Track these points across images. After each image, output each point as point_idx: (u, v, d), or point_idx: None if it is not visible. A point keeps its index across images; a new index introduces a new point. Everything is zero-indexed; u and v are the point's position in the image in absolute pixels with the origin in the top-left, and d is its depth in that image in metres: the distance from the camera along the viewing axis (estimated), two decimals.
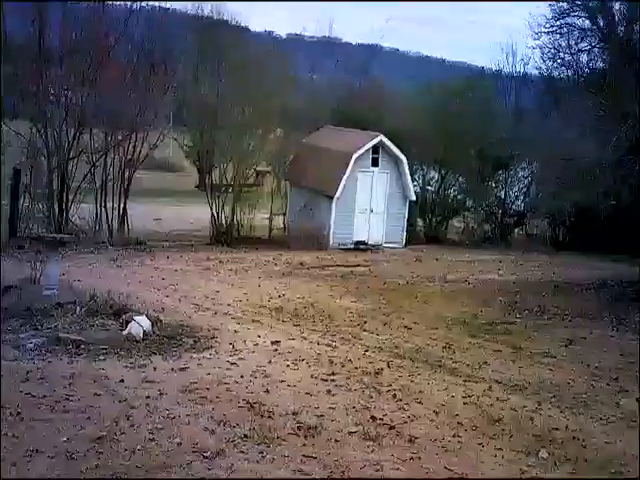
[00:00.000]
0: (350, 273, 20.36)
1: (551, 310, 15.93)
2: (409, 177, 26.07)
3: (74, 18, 23.79)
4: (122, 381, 8.94)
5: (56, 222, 23.71)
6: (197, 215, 34.71)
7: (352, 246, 25.67)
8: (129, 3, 25.47)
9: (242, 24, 38.67)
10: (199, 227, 30.99)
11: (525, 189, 30.18)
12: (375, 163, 25.82)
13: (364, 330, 13.36)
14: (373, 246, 26.00)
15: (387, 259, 23.84)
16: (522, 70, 31.76)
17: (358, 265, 22.05)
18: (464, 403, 9.02)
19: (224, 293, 16.43)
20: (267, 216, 28.25)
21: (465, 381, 10.11)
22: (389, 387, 9.45)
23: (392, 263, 22.88)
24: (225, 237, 26.68)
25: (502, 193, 29.84)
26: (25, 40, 23.56)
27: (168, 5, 26.96)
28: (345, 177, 24.93)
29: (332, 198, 25.20)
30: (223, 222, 27.17)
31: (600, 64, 29.02)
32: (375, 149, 25.68)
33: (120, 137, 24.83)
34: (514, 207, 29.80)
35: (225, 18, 35.90)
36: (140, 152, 25.82)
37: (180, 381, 9.11)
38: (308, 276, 19.74)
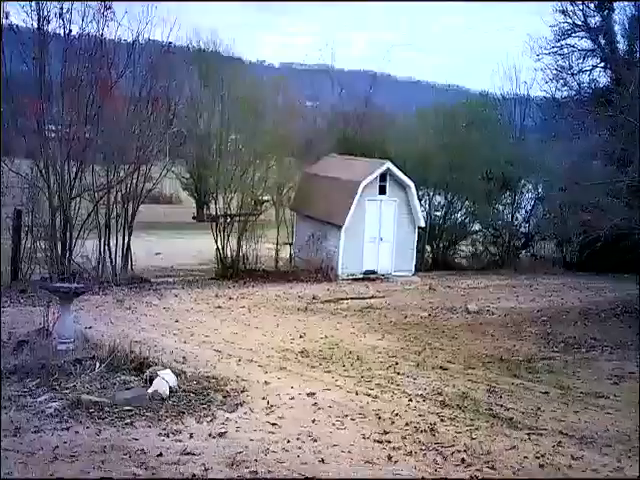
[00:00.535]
0: (367, 306, 19.47)
1: (588, 342, 15.05)
2: (417, 203, 25.31)
3: (75, 53, 22.86)
4: (160, 455, 7.89)
5: (59, 263, 22.64)
6: (198, 247, 33.71)
7: (361, 276, 24.79)
8: (131, 37, 24.48)
9: (236, 55, 38.12)
10: (202, 260, 30.05)
11: (531, 210, 29.24)
12: (383, 191, 25.02)
13: (398, 373, 12.39)
14: (383, 275, 25.14)
15: (400, 289, 22.95)
16: (524, 92, 31.05)
17: (373, 297, 21.17)
18: (540, 465, 8.02)
19: (243, 335, 15.48)
20: (270, 246, 27.22)
21: (528, 434, 9.15)
22: (452, 448, 8.46)
23: (406, 293, 21.99)
24: (231, 271, 25.64)
25: (509, 215, 28.97)
26: (25, 77, 22.63)
27: (170, 39, 25.67)
28: (353, 206, 24.10)
29: (340, 228, 24.34)
30: (229, 255, 26.06)
31: (602, 83, 28.69)
32: (382, 177, 24.88)
33: (123, 173, 23.78)
34: (521, 229, 28.90)
35: (220, 49, 35.27)
36: (143, 187, 24.86)
37: (223, 452, 8.10)
38: (325, 312, 18.80)
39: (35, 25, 22.50)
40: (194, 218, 47.30)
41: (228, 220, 41.22)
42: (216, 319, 17.49)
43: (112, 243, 24.35)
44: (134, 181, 24.35)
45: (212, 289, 22.76)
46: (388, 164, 24.64)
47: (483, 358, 13.58)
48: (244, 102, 26.68)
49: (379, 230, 25.14)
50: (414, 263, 25.69)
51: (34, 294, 18.91)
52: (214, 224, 26.60)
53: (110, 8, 23.60)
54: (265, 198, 31.27)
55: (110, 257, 24.11)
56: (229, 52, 38.68)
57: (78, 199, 23.11)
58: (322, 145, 29.31)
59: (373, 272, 25.05)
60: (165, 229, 36.78)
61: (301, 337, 15.42)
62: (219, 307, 19.32)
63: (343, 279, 24.43)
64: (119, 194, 24.21)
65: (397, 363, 13.09)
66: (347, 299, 20.80)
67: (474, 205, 28.91)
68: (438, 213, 27.83)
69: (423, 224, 25.45)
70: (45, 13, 22.42)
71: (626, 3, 27.11)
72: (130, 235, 24.85)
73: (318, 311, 18.87)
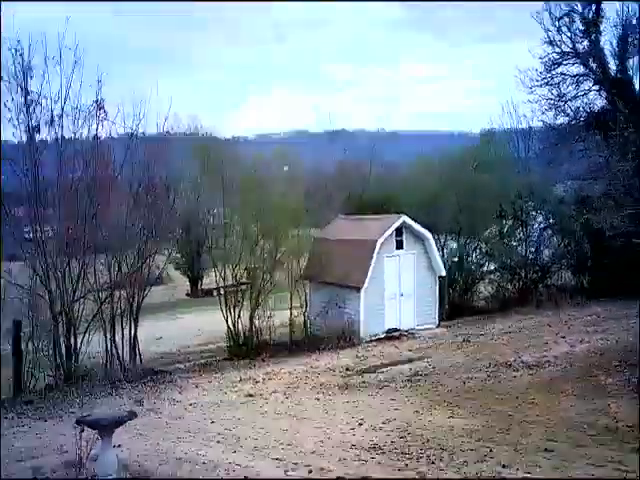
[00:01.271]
0: (413, 374, 17.34)
1: None
2: (437, 253, 23.76)
3: (70, 157, 21.17)
4: None
5: (64, 368, 20.49)
6: (198, 325, 31.73)
7: (383, 335, 23.04)
8: (125, 131, 22.86)
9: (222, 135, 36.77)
10: (206, 339, 28.04)
11: (540, 239, 27.55)
12: (400, 245, 23.40)
13: (502, 465, 10.21)
14: (406, 331, 23.23)
15: (432, 345, 20.97)
16: (525, 124, 29.80)
17: (410, 360, 19.08)
18: None
19: (295, 433, 13.20)
20: (281, 314, 25.12)
21: None
22: None
23: (443, 350, 19.97)
24: (245, 348, 23.45)
25: (523, 249, 27.24)
26: (20, 189, 20.91)
27: (167, 128, 24.21)
28: (372, 266, 22.36)
29: (359, 290, 22.49)
30: (240, 330, 23.89)
31: (598, 105, 27.53)
32: (398, 231, 23.30)
33: (126, 268, 21.90)
34: (537, 262, 27.15)
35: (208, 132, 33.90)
36: (147, 278, 22.90)
37: None
38: (369, 386, 16.68)
39: (25, 137, 20.83)
40: (188, 295, 45.37)
41: (222, 292, 39.52)
42: (254, 413, 15.22)
43: (117, 337, 22.31)
44: (138, 274, 22.48)
45: (231, 372, 20.66)
46: (404, 217, 23.14)
47: (584, 429, 11.48)
48: (245, 180, 25.05)
49: (399, 285, 23.43)
50: (437, 314, 23.70)
51: (42, 405, 17.49)
52: (224, 302, 24.20)
53: (102, 108, 22.02)
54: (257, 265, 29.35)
55: (117, 353, 21.98)
56: (217, 134, 37.39)
57: (82, 301, 21.13)
58: (330, 208, 27.52)
59: (395, 330, 23.32)
60: (160, 310, 34.57)
61: (360, 425, 13.25)
62: (250, 395, 17.15)
63: (366, 341, 22.55)
64: (123, 290, 22.27)
65: (491, 450, 10.93)
66: (384, 366, 18.70)
67: (488, 245, 27.07)
68: (456, 259, 25.82)
69: (444, 273, 23.58)
70: (34, 123, 20.80)
71: (612, 25, 26.04)
72: (136, 327, 22.79)
73: (361, 387, 16.74)
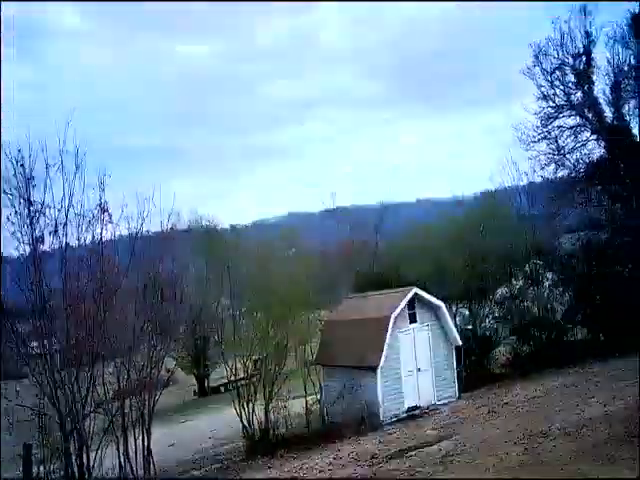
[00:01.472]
0: (445, 454, 16.25)
1: None
2: (451, 323, 22.99)
3: (75, 264, 20.62)
4: None
5: None
6: (210, 425, 30.54)
7: (405, 415, 22.04)
8: (130, 234, 22.38)
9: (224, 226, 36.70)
10: (221, 439, 26.86)
11: (558, 298, 26.81)
12: (413, 319, 22.61)
13: None
14: (427, 408, 22.28)
15: (457, 421, 19.84)
16: (525, 181, 29.57)
17: (439, 439, 17.98)
18: None
19: None
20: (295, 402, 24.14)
21: None
22: None
23: (471, 425, 18.91)
24: (264, 445, 22.30)
25: (536, 309, 26.48)
26: (25, 303, 20.23)
27: (170, 225, 23.80)
28: (386, 343, 21.48)
29: (375, 369, 21.55)
30: (256, 426, 22.82)
31: (597, 155, 27.34)
32: (410, 304, 22.50)
33: (135, 375, 21.10)
34: (552, 321, 26.35)
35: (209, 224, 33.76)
36: (157, 384, 22.19)
37: None
38: (400, 472, 15.51)
39: (28, 249, 20.27)
40: (195, 394, 44.12)
41: (230, 388, 38.45)
42: None
43: (130, 448, 21.24)
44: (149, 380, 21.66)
45: (252, 474, 19.44)
46: (415, 290, 22.43)
47: None
48: (250, 268, 24.53)
49: (415, 360, 22.54)
50: (457, 386, 22.76)
51: None
52: (237, 398, 23.22)
53: (106, 211, 21.57)
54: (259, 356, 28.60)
55: (132, 468, 20.85)
56: (216, 224, 37.31)
57: (93, 416, 20.22)
58: (338, 287, 26.92)
59: (416, 407, 22.32)
60: (169, 414, 33.43)
61: None
62: None
63: (387, 423, 21.50)
64: (134, 398, 21.40)
65: None
66: (411, 449, 17.60)
67: (500, 308, 26.36)
68: (469, 326, 25.03)
69: (460, 343, 22.78)
70: (38, 234, 20.32)
71: (604, 73, 26.03)
72: (149, 438, 21.73)
73: (392, 475, 15.64)
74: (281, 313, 23.61)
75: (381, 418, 21.38)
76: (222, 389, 42.19)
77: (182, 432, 29.45)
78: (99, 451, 20.18)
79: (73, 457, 19.54)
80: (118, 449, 20.86)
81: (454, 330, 22.88)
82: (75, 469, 19.63)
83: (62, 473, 19.45)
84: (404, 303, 22.21)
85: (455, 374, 22.90)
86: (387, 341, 21.51)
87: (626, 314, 23.44)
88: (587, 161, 27.37)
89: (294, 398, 24.30)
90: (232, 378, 25.23)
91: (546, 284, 26.93)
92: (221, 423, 29.96)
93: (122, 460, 20.76)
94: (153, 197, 22.22)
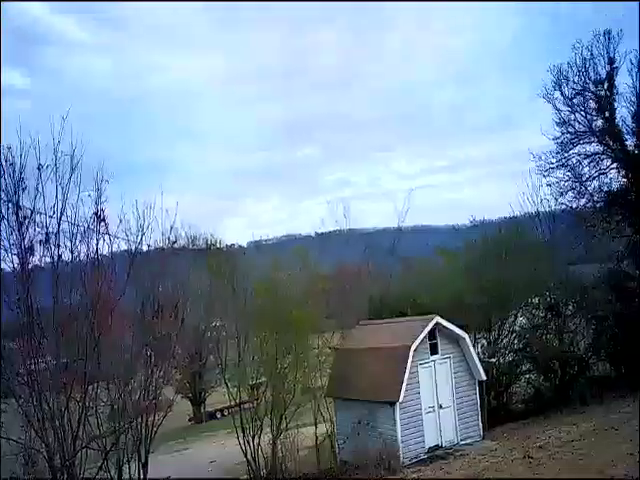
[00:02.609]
0: None
1: None
2: (475, 355, 20.48)
3: (67, 280, 17.74)
4: None
5: None
6: (209, 455, 27.83)
7: (426, 455, 19.45)
8: (128, 249, 19.68)
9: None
10: (222, 471, 24.12)
11: (582, 331, 24.32)
12: (434, 350, 20.02)
13: None
14: (450, 448, 19.80)
15: (489, 465, 17.18)
16: (547, 208, 27.30)
17: None
18: None
19: None
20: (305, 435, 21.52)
21: None
22: None
23: (508, 472, 16.13)
24: None
25: (557, 342, 23.93)
26: (12, 319, 17.37)
27: (170, 241, 21.25)
28: (406, 376, 18.92)
29: (393, 404, 19.02)
30: (262, 463, 20.13)
31: (618, 184, 25.17)
32: (431, 334, 19.94)
33: (131, 405, 18.27)
34: (575, 355, 23.82)
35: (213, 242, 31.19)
36: (154, 417, 19.34)
37: None
38: None
39: (16, 260, 17.35)
40: (190, 420, 41.16)
41: (227, 413, 35.53)
42: None
43: None
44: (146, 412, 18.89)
45: None
46: (437, 318, 19.86)
47: None
48: (259, 289, 22.08)
49: (436, 396, 19.93)
50: (481, 425, 20.11)
51: None
52: (241, 431, 20.48)
53: (103, 220, 18.76)
54: (261, 380, 26.03)
55: None
56: (217, 242, 34.64)
57: (85, 452, 17.38)
58: (351, 312, 24.33)
59: (437, 447, 19.79)
60: (164, 442, 30.43)
61: None
62: None
63: (406, 465, 18.87)
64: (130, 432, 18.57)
65: None
66: None
67: (521, 340, 23.81)
68: (494, 360, 22.37)
69: (484, 377, 20.15)
70: (27, 244, 17.38)
71: (626, 100, 24.00)
72: (146, 474, 19.01)
73: None
74: (289, 337, 21.09)
75: (401, 459, 18.68)
76: (218, 414, 39.54)
77: (178, 462, 26.70)
78: None
79: None
80: None
81: (478, 363, 20.40)
82: None
83: None
84: (425, 333, 19.74)
85: (479, 412, 20.33)
86: (407, 373, 18.98)
87: None
88: (607, 190, 25.22)
89: (302, 426, 21.65)
90: (232, 403, 22.62)
91: (567, 315, 24.39)
92: (219, 452, 27.33)
93: None
94: (153, 208, 19.81)
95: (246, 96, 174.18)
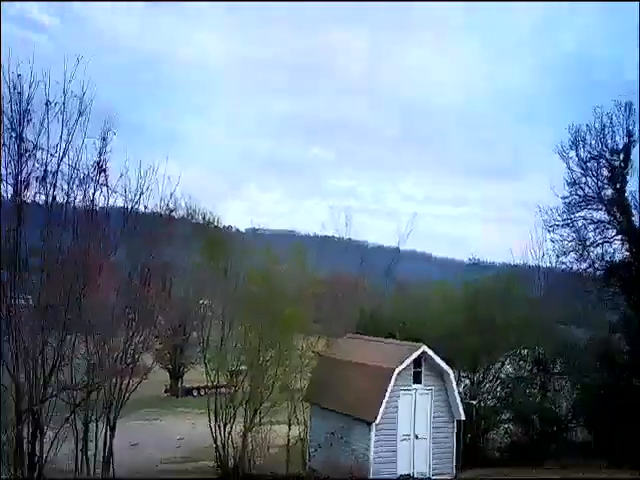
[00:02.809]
0: None
1: None
2: (457, 393, 19.96)
3: (60, 223, 17.45)
4: None
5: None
6: (179, 431, 27.55)
7: None
8: (125, 207, 19.30)
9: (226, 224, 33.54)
10: (189, 452, 23.97)
11: (565, 392, 23.93)
12: (417, 379, 19.59)
13: None
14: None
15: None
16: (547, 263, 27.03)
17: None
18: None
19: None
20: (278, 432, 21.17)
21: None
22: None
23: None
24: (236, 474, 19.29)
25: (539, 397, 23.63)
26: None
27: (169, 209, 20.95)
28: (386, 398, 18.56)
29: (370, 424, 18.65)
30: (230, 452, 19.81)
31: (621, 256, 24.78)
32: (417, 362, 19.48)
33: (108, 365, 17.97)
34: (555, 414, 23.42)
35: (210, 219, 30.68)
36: (129, 383, 18.94)
37: None
38: None
39: (11, 191, 17.06)
40: (166, 392, 40.77)
41: (203, 393, 35.26)
42: None
43: (91, 445, 18.24)
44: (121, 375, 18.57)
45: None
46: (424, 347, 19.44)
47: None
48: (254, 277, 21.64)
49: (413, 425, 19.49)
50: (454, 464, 19.75)
51: None
52: (214, 418, 20.16)
53: (104, 171, 18.48)
54: (242, 368, 25.66)
55: (88, 471, 17.81)
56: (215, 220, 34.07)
57: (53, 401, 17.10)
58: (340, 322, 23.91)
59: (409, 476, 19.34)
60: (136, 408, 30.13)
61: None
62: None
63: None
64: (102, 391, 18.24)
65: None
66: None
67: (504, 389, 23.44)
68: (475, 402, 21.92)
69: (463, 417, 19.79)
70: (24, 176, 17.02)
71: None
72: (112, 437, 18.70)
73: None
74: (275, 332, 20.72)
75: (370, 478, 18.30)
76: (195, 392, 39.20)
77: (147, 432, 26.43)
78: (56, 442, 17.21)
79: (24, 442, 16.50)
80: (76, 444, 17.86)
81: (459, 402, 19.97)
82: (25, 458, 16.58)
83: (10, 459, 16.41)
84: (411, 359, 19.36)
85: (454, 449, 19.89)
86: (387, 396, 18.67)
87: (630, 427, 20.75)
88: (609, 260, 24.77)
89: (275, 423, 21.35)
90: (209, 384, 22.26)
91: (554, 373, 24.07)
92: (189, 431, 27.03)
93: (80, 458, 17.74)
94: (156, 172, 19.53)
95: (263, 85, 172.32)
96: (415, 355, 19.29)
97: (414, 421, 19.37)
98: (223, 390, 22.21)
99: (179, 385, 40.43)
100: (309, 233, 59.20)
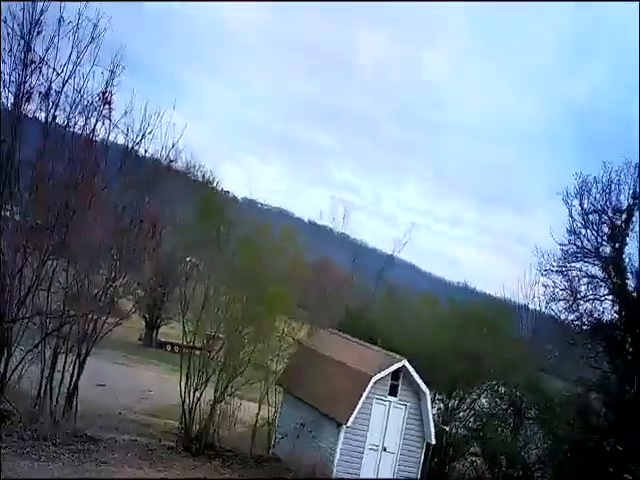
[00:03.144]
0: None
1: None
2: (431, 416, 19.29)
3: (57, 144, 16.76)
4: None
5: None
6: (146, 383, 26.98)
7: None
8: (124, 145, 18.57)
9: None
10: (153, 407, 23.39)
11: (536, 440, 23.32)
12: (393, 392, 18.98)
13: None
14: None
15: None
16: (537, 306, 26.43)
17: None
18: None
19: None
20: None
21: None
22: None
23: None
24: (197, 445, 18.78)
25: (510, 439, 22.99)
26: None
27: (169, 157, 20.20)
28: (360, 403, 17.98)
29: (340, 426, 18.07)
30: (196, 419, 19.23)
31: (610, 316, 24.20)
32: (395, 375, 18.91)
33: (86, 300, 17.36)
34: (524, 460, 22.84)
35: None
36: (104, 323, 18.41)
37: None
38: None
39: (11, 100, 16.39)
40: (140, 339, 40.19)
41: (177, 350, 34.70)
42: None
43: (56, 375, 17.62)
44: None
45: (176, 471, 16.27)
46: (405, 362, 18.84)
47: None
48: (246, 245, 20.87)
49: (383, 437, 18.89)
50: None
51: None
52: (185, 379, 19.50)
53: (109, 103, 17.77)
54: (220, 335, 25.04)
55: (51, 400, 17.22)
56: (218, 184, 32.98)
57: (25, 323, 16.48)
58: (323, 314, 23.27)
59: None
60: (107, 349, 29.40)
61: None
62: None
63: None
64: (76, 325, 17.61)
65: None
66: None
67: (477, 420, 22.91)
68: (447, 428, 21.39)
69: (434, 441, 19.21)
70: (27, 88, 16.30)
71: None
72: (79, 376, 18.13)
73: None
74: (260, 308, 19.97)
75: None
76: (168, 347, 38.62)
77: (115, 375, 25.81)
78: (21, 366, 16.65)
79: None
80: (42, 373, 17.28)
81: (432, 425, 19.27)
82: None
83: None
84: (390, 370, 18.74)
85: (418, 471, 19.31)
86: (362, 401, 18.06)
87: None
88: (597, 317, 24.13)
89: (242, 398, 20.81)
90: (183, 343, 21.55)
91: (528, 418, 23.47)
92: (160, 387, 26.43)
93: (43, 387, 17.17)
94: (161, 117, 18.77)
95: (282, 63, 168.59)
96: (395, 367, 18.72)
97: (385, 433, 18.80)
98: (197, 352, 21.63)
99: (153, 336, 39.81)
100: (303, 217, 58.65)
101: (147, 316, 40.78)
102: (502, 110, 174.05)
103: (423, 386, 19.03)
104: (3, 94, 16.17)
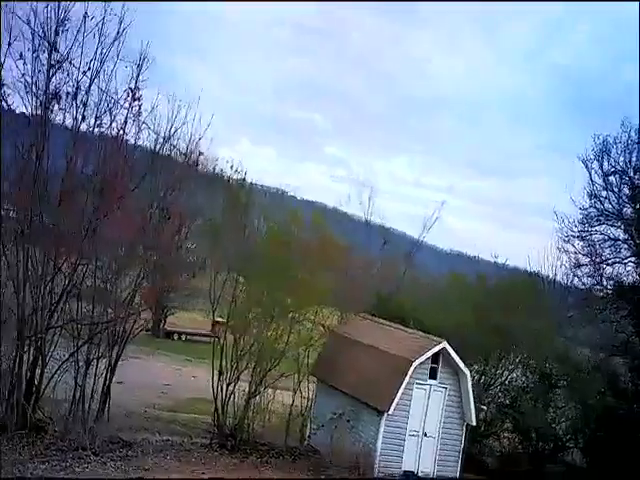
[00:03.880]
0: None
1: None
2: (472, 397, 18.45)
3: (84, 147, 16.10)
4: None
5: (19, 411, 14.77)
6: (162, 375, 26.12)
7: (398, 478, 17.55)
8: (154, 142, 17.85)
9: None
10: (175, 401, 22.47)
11: (566, 412, 22.64)
12: (433, 375, 18.18)
13: None
14: (424, 479, 18.02)
15: None
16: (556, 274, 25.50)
17: None
18: None
19: None
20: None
21: None
22: None
23: None
24: (232, 441, 17.79)
25: (542, 413, 22.21)
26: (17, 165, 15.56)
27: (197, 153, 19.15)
28: (401, 390, 17.16)
29: (381, 414, 17.26)
30: (229, 414, 18.21)
31: (634, 277, 23.41)
32: (435, 358, 18.07)
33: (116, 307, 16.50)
34: (554, 432, 22.15)
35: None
36: (133, 324, 17.85)
37: None
38: None
39: (35, 104, 15.34)
40: (147, 330, 39.08)
41: (184, 338, 33.71)
42: None
43: (88, 383, 16.66)
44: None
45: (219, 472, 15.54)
46: (445, 344, 17.95)
47: None
48: (274, 236, 19.87)
49: (423, 422, 18.10)
50: (459, 467, 18.45)
51: None
52: (217, 375, 18.47)
53: (138, 99, 16.59)
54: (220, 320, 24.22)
55: (83, 408, 16.21)
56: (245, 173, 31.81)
57: (58, 332, 15.47)
58: (356, 300, 22.20)
59: (413, 474, 17.96)
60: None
61: None
62: None
63: (378, 478, 17.05)
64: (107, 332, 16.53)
65: None
66: None
67: (507, 396, 22.20)
68: (485, 407, 20.59)
69: (474, 422, 18.44)
70: (53, 88, 15.33)
71: None
72: (111, 380, 17.14)
73: None
74: (293, 300, 18.99)
75: (375, 470, 17.12)
76: (175, 336, 37.97)
77: (131, 371, 24.69)
78: (56, 375, 15.65)
79: (24, 372, 14.92)
80: (76, 381, 16.30)
81: (472, 406, 18.52)
82: (23, 385, 14.99)
83: (7, 387, 14.79)
84: (431, 353, 17.92)
85: (460, 453, 18.62)
86: (402, 387, 17.25)
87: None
88: (620, 281, 23.31)
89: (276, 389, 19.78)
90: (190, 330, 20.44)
91: (558, 387, 22.77)
92: (176, 379, 25.57)
93: (77, 396, 16.17)
94: (188, 111, 17.70)
95: (268, 40, 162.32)
96: (435, 350, 17.85)
97: (425, 418, 18.02)
98: (206, 339, 20.56)
99: (160, 327, 38.77)
100: (303, 197, 57.07)
101: (153, 307, 39.70)
102: (494, 79, 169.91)
103: (463, 366, 18.26)
104: (27, 97, 15.14)
